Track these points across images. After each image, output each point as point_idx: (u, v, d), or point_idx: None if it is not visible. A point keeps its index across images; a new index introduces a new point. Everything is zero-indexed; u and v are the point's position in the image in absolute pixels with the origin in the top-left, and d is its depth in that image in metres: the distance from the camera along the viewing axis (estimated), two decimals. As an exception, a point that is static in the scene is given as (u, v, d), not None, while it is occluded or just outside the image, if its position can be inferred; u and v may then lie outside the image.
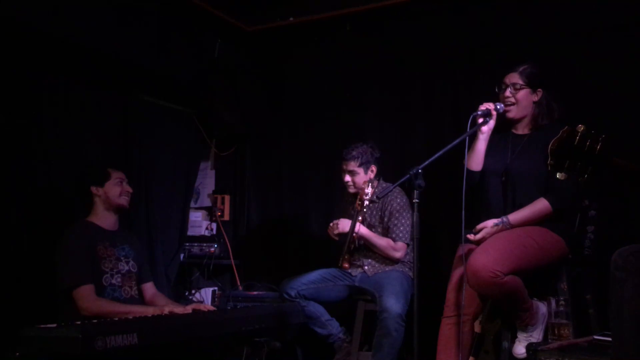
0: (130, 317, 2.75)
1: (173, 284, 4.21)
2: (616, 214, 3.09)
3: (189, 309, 3.10)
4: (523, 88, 2.97)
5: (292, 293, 3.51)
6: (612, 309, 1.90)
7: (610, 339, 1.97)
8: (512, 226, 2.84)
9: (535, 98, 2.98)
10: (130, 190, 3.32)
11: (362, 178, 3.58)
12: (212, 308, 3.17)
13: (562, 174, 1.75)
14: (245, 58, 4.55)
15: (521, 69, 2.99)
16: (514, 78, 2.99)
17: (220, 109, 4.39)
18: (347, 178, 3.63)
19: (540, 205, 2.84)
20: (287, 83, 4.62)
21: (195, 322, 2.80)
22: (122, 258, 3.24)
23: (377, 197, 3.42)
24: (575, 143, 1.71)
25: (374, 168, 3.65)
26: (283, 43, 4.52)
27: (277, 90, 4.62)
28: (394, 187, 3.10)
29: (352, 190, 3.65)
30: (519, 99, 2.98)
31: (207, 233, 4.54)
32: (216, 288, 4.38)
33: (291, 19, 4.22)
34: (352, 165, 3.60)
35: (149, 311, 2.95)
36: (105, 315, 2.83)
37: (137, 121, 4.06)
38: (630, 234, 2.92)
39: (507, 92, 3.00)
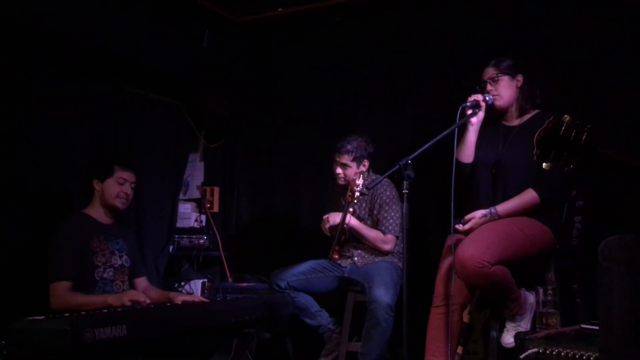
0: (119, 309, 2.73)
1: (162, 276, 4.20)
2: (603, 205, 3.11)
3: (179, 299, 3.09)
4: (501, 76, 3.03)
5: (282, 284, 3.51)
6: (599, 298, 1.92)
7: (597, 327, 1.99)
8: (500, 217, 2.85)
9: (518, 84, 3.05)
10: (129, 193, 3.26)
11: (353, 171, 3.56)
12: (203, 299, 3.16)
13: (548, 164, 1.75)
14: (234, 49, 4.52)
15: (493, 62, 3.08)
16: (490, 72, 3.07)
17: (209, 101, 4.36)
18: (339, 170, 3.62)
19: (528, 196, 2.86)
20: (277, 74, 4.59)
21: (185, 314, 2.80)
22: (115, 252, 3.21)
23: (366, 187, 3.42)
24: (561, 133, 1.71)
25: (366, 162, 3.63)
26: (272, 34, 4.50)
27: (267, 82, 4.59)
28: (383, 178, 3.10)
29: (342, 182, 3.64)
30: (501, 88, 3.03)
31: (196, 225, 4.52)
32: (206, 280, 4.36)
33: (280, 9, 4.19)
34: (346, 159, 3.58)
35: (109, 300, 2.84)
36: (72, 309, 2.72)
37: (126, 113, 4.02)
38: (618, 224, 2.94)
39: (489, 87, 3.05)
